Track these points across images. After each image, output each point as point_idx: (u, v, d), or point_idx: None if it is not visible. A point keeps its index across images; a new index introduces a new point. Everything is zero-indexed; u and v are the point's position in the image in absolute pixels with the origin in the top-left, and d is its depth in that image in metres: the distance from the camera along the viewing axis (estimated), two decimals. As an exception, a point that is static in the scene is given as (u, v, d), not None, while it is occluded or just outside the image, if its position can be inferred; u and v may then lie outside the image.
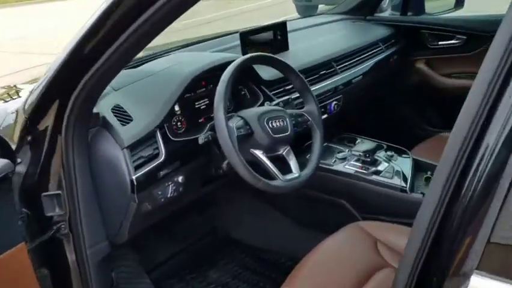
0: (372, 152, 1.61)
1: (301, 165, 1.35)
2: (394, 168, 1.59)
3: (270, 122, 1.30)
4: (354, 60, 2.03)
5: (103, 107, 1.28)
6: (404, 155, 1.70)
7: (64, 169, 1.23)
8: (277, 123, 1.31)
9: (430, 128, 2.47)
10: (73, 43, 1.00)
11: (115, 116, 1.26)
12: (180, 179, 1.32)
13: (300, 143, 1.77)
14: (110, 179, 1.25)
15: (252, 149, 1.30)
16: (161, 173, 1.26)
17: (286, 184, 1.27)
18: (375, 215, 1.59)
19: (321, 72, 1.84)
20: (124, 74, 1.50)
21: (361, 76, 2.01)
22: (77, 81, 1.05)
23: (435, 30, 2.31)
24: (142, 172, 1.21)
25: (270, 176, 1.27)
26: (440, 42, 2.33)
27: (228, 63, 1.33)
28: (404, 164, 1.62)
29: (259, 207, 2.00)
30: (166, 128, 1.31)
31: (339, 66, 1.93)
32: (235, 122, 1.27)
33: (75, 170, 1.23)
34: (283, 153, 1.35)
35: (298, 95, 1.64)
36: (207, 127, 1.41)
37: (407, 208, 1.49)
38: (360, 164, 1.63)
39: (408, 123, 2.51)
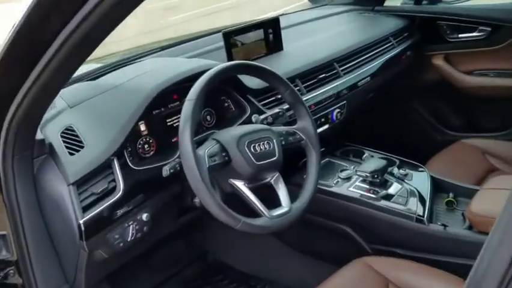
0: (382, 172, 1.37)
1: (297, 191, 1.13)
2: (408, 191, 1.35)
3: (252, 146, 1.08)
4: (361, 59, 1.79)
5: (52, 130, 1.09)
6: (419, 171, 1.46)
7: (6, 207, 1.03)
8: (262, 147, 1.09)
9: (449, 132, 2.22)
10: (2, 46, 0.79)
11: (64, 141, 1.06)
12: (144, 216, 1.11)
13: (296, 159, 1.54)
14: (57, 222, 1.05)
15: (231, 179, 1.08)
16: (119, 212, 1.05)
17: (272, 223, 1.04)
18: (386, 246, 1.36)
19: (321, 76, 1.61)
20: (82, 88, 1.29)
21: (368, 78, 1.77)
22: (11, 97, 0.85)
23: (455, 21, 2.07)
24: (92, 214, 1.00)
25: (253, 212, 1.05)
26: (460, 35, 2.09)
27: (202, 73, 1.11)
28: (421, 185, 1.39)
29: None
30: (126, 154, 1.10)
31: (342, 68, 1.69)
32: (208, 148, 1.04)
33: (19, 207, 1.03)
34: (271, 181, 1.13)
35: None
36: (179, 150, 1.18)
37: (424, 241, 1.26)
38: (367, 186, 1.39)
39: (424, 129, 2.27)
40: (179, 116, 1.26)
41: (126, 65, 1.45)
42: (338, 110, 1.64)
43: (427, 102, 2.29)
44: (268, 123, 1.30)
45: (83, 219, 0.99)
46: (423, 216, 1.26)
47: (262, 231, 1.04)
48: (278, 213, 1.07)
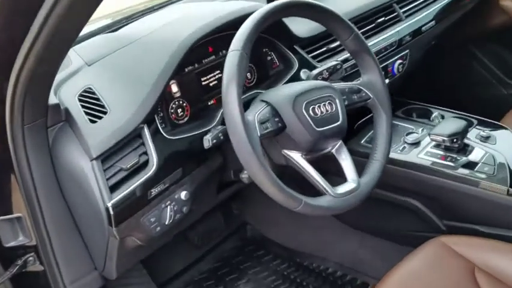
0: (462, 135, 1.16)
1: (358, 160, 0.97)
2: (495, 158, 1.14)
3: (311, 108, 0.90)
4: (423, -1, 1.53)
5: (68, 92, 0.94)
6: (503, 132, 1.25)
7: (19, 185, 0.90)
8: (323, 109, 0.91)
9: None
10: None
11: (83, 106, 0.90)
12: (183, 195, 0.96)
13: (351, 120, 1.34)
14: (81, 203, 0.91)
15: (285, 150, 0.91)
16: (154, 191, 0.90)
17: (339, 202, 0.88)
18: (465, 223, 1.18)
19: (380, 20, 1.39)
20: (100, 42, 1.12)
21: (433, 22, 1.54)
22: (15, 50, 0.71)
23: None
24: (122, 195, 0.86)
25: (313, 190, 0.88)
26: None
27: (245, 17, 0.92)
28: (508, 149, 1.18)
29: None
30: (157, 121, 0.94)
31: (403, 10, 1.47)
32: (258, 112, 0.87)
33: (35, 185, 0.91)
34: (333, 150, 0.95)
35: (349, 57, 1.21)
36: (219, 114, 1.02)
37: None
38: (441, 153, 1.20)
39: (488, 82, 2.01)
40: (216, 73, 1.10)
41: (146, 15, 1.26)
42: (399, 61, 1.43)
43: (492, 52, 2.03)
44: (323, 80, 1.11)
45: (112, 202, 0.84)
46: (519, 190, 1.06)
47: (327, 212, 0.88)
48: (345, 191, 0.90)
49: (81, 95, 0.92)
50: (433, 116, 1.37)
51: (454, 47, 1.93)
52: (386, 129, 1.01)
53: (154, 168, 0.90)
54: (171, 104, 1.02)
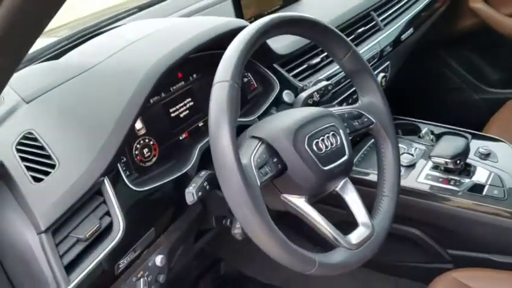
0: (465, 154, 1.06)
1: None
2: (502, 178, 1.05)
3: (314, 142, 0.75)
4: (399, 5, 1.44)
5: (3, 140, 0.72)
6: (501, 146, 1.17)
7: None
8: (327, 143, 0.77)
9: (490, 90, 1.93)
10: None
11: (24, 159, 0.70)
12: (158, 260, 0.78)
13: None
14: (30, 285, 0.70)
15: (284, 195, 0.75)
16: (122, 262, 0.72)
17: (357, 255, 0.75)
18: (474, 252, 1.08)
19: (359, 30, 1.27)
20: (41, 71, 0.91)
21: (412, 29, 1.44)
22: None
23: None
24: (83, 275, 0.67)
25: (321, 242, 0.73)
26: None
27: (224, 36, 0.75)
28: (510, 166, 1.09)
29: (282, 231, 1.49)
30: (120, 169, 0.75)
31: (381, 18, 1.36)
32: (253, 154, 0.70)
33: None
34: (337, 189, 0.80)
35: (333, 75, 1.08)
36: (196, 151, 0.85)
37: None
38: (443, 176, 1.09)
39: (462, 87, 1.97)
40: (187, 101, 0.93)
41: (98, 34, 1.06)
42: (382, 74, 1.33)
43: (462, 56, 2.00)
44: (313, 105, 0.97)
45: (72, 285, 0.64)
46: (535, 214, 0.97)
47: (345, 270, 0.74)
48: (360, 240, 0.76)
49: (20, 144, 0.71)
50: (423, 132, 1.28)
51: (423, 53, 1.87)
52: (394, 158, 0.88)
53: (120, 232, 0.71)
54: (135, 144, 0.84)
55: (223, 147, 0.63)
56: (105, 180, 0.73)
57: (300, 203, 0.76)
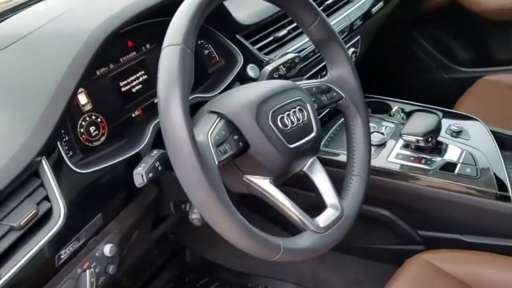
0: (437, 132, 1.03)
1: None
2: (475, 156, 1.03)
3: (279, 118, 0.69)
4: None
5: None
6: (473, 124, 1.14)
7: None
8: (294, 118, 0.71)
9: (463, 69, 1.92)
10: None
11: None
12: (107, 249, 0.71)
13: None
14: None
15: (247, 176, 0.69)
16: (64, 252, 0.64)
17: (325, 239, 0.70)
18: (445, 233, 1.06)
19: (328, 2, 1.21)
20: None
21: (382, 3, 1.39)
22: None
23: None
24: (17, 267, 0.59)
25: (290, 228, 0.68)
26: None
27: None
28: (484, 144, 1.07)
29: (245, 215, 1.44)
30: (61, 148, 0.67)
31: (351, -11, 1.30)
32: (210, 130, 0.64)
33: None
34: (305, 169, 0.75)
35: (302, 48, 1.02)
36: (149, 129, 0.78)
37: (507, 224, 0.96)
38: (414, 154, 1.06)
39: (432, 67, 1.95)
40: (140, 74, 0.85)
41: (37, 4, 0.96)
42: (352, 49, 1.28)
43: (431, 35, 1.98)
44: (279, 79, 0.91)
45: (1, 281, 0.57)
46: (507, 191, 0.95)
47: (312, 255, 0.69)
48: (329, 222, 0.71)
49: None
50: (393, 110, 1.24)
51: (393, 31, 1.84)
52: (364, 135, 0.83)
53: (61, 219, 0.63)
54: (80, 121, 0.76)
55: (174, 120, 0.56)
56: (43, 161, 0.64)
57: (264, 184, 0.70)
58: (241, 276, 1.46)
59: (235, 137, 0.66)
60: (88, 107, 0.77)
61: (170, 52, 0.59)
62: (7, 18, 0.89)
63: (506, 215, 0.95)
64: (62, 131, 0.71)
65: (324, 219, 0.72)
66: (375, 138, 1.12)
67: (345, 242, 1.26)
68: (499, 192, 0.95)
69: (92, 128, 0.77)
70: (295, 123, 0.71)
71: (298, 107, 0.72)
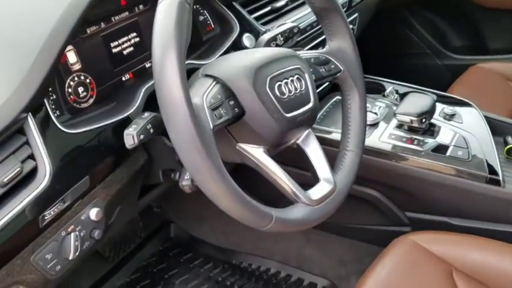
0: (431, 113, 1.03)
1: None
2: (467, 139, 1.03)
3: (277, 85, 0.67)
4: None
5: None
6: (466, 109, 1.14)
7: None
8: (291, 87, 0.69)
9: (456, 56, 1.93)
10: None
11: None
12: (93, 213, 0.69)
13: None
14: None
15: (240, 144, 0.68)
16: (48, 213, 0.62)
17: (317, 212, 0.70)
18: (432, 215, 1.07)
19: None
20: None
21: (382, -19, 1.38)
22: None
23: None
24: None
25: (277, 201, 0.67)
26: None
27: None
28: (476, 128, 1.07)
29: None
30: (48, 107, 0.65)
31: (351, -35, 1.28)
32: (206, 93, 0.62)
33: None
34: (299, 141, 0.74)
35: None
36: (141, 92, 0.75)
37: (498, 209, 0.97)
38: (406, 135, 1.05)
39: (426, 52, 1.95)
40: (132, 36, 0.83)
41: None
42: (350, 26, 1.24)
43: (427, 20, 1.98)
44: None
45: None
46: (497, 175, 0.95)
47: (303, 227, 0.68)
48: (321, 195, 0.70)
49: None
50: (388, 91, 1.23)
51: (389, 14, 1.83)
52: (360, 111, 0.82)
53: (46, 179, 0.61)
54: (68, 80, 0.73)
55: (170, 78, 0.54)
56: (28, 118, 0.62)
57: (258, 153, 0.69)
58: (225, 253, 1.46)
59: (231, 102, 0.65)
60: (77, 67, 0.75)
61: (168, 5, 0.56)
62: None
63: (494, 199, 0.96)
64: (50, 89, 0.68)
65: (316, 192, 0.71)
66: (369, 117, 1.10)
67: (332, 220, 1.26)
68: (489, 176, 0.96)
69: (80, 89, 0.75)
70: (292, 92, 0.69)
71: (296, 76, 0.70)
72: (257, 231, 0.94)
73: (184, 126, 0.55)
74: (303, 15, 1.06)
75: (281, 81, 0.68)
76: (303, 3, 1.10)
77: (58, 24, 0.65)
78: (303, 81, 0.71)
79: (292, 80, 0.69)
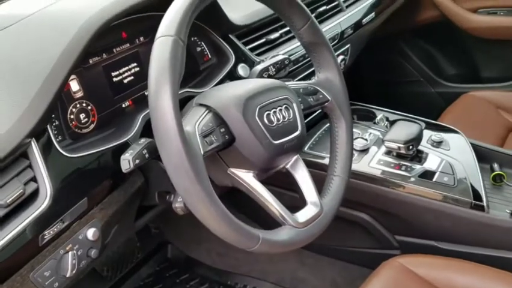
0: (418, 140, 1.06)
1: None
2: (453, 166, 1.06)
3: (265, 114, 0.72)
4: (363, -12, 1.43)
5: None
6: (454, 136, 1.18)
7: None
8: (279, 115, 0.74)
9: (449, 84, 1.98)
10: None
11: None
12: (90, 233, 0.72)
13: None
14: None
15: (231, 169, 0.72)
16: (47, 233, 0.66)
17: (303, 234, 0.73)
18: (421, 239, 1.09)
19: (321, 9, 1.24)
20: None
21: (373, 14, 1.43)
22: None
23: None
24: (1, 244, 0.59)
25: (267, 220, 0.70)
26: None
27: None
28: (463, 155, 1.11)
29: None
30: (51, 132, 0.69)
31: (344, -1, 1.34)
32: (198, 121, 0.66)
33: None
34: (288, 166, 0.78)
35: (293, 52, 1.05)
36: (139, 119, 0.79)
37: (483, 234, 1.00)
38: (395, 161, 1.09)
39: (420, 80, 2.00)
40: (132, 66, 0.87)
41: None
42: (342, 56, 1.31)
43: (421, 49, 2.04)
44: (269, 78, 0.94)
45: None
46: (481, 201, 0.98)
47: (289, 248, 0.71)
48: (307, 218, 0.74)
49: None
50: (378, 118, 1.27)
51: (384, 42, 1.88)
52: (347, 139, 0.86)
53: (47, 200, 0.65)
54: (70, 107, 0.77)
55: (163, 108, 0.58)
56: (32, 143, 0.66)
57: (247, 178, 0.72)
58: (221, 274, 1.47)
59: (222, 129, 0.69)
60: (79, 94, 0.79)
61: (163, 42, 0.61)
62: (4, 1, 0.91)
63: (479, 224, 0.98)
64: (53, 116, 0.73)
65: (303, 215, 0.74)
66: (359, 143, 1.15)
67: (325, 243, 1.29)
68: (474, 202, 0.98)
69: (82, 115, 0.79)
70: (280, 121, 0.73)
71: (284, 106, 0.74)
72: (252, 253, 0.97)
73: (175, 153, 0.59)
74: (296, 47, 1.11)
75: (270, 110, 0.72)
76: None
77: (62, 56, 0.70)
78: (291, 110, 0.75)
79: (280, 109, 0.74)
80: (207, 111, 0.69)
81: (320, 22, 1.24)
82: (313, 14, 1.21)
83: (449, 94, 1.88)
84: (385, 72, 2.04)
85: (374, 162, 1.10)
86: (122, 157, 0.68)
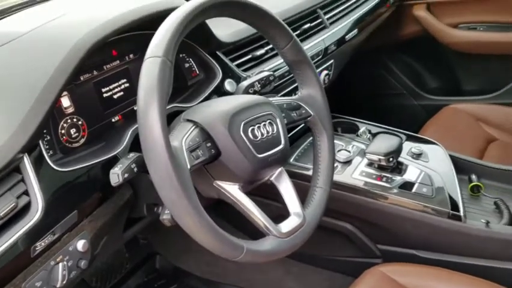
0: (398, 153, 1.10)
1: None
2: (431, 177, 1.10)
3: (250, 129, 0.75)
4: (346, 5, 1.48)
5: None
6: (433, 148, 1.22)
7: None
8: (264, 130, 0.77)
9: (428, 96, 2.04)
10: None
11: None
12: (80, 245, 0.74)
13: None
14: None
15: (217, 182, 0.75)
16: (39, 245, 0.68)
17: (285, 244, 0.75)
18: (401, 248, 1.13)
19: (305, 27, 1.29)
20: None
21: (356, 30, 1.49)
22: None
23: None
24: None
25: (253, 231, 0.73)
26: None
27: (161, 14, 0.73)
28: (442, 167, 1.15)
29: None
30: (43, 147, 0.71)
31: (327, 16, 1.39)
32: (185, 136, 0.69)
33: None
34: (272, 178, 0.81)
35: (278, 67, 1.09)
36: (128, 134, 0.82)
37: (459, 243, 1.04)
38: (376, 173, 1.13)
39: (403, 93, 2.06)
40: (121, 82, 0.90)
41: (29, 7, 1.00)
42: (325, 71, 1.35)
43: (403, 62, 2.09)
44: (254, 94, 0.97)
45: None
46: (459, 211, 1.02)
47: (272, 257, 0.74)
48: (290, 229, 0.76)
49: None
50: (360, 131, 1.31)
51: (367, 57, 1.94)
52: (329, 151, 0.89)
53: (38, 213, 0.67)
54: (61, 122, 0.80)
55: (151, 125, 0.61)
56: (24, 158, 0.68)
57: (233, 190, 0.75)
58: (209, 284, 1.49)
59: (208, 144, 0.72)
60: (70, 110, 0.81)
61: (152, 63, 0.64)
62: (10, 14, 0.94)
63: (457, 233, 1.02)
64: (45, 131, 0.75)
65: (286, 225, 0.77)
66: (342, 155, 1.19)
67: (310, 252, 1.32)
68: (451, 212, 1.02)
69: (72, 130, 0.82)
70: (264, 135, 0.76)
71: (268, 121, 0.78)
72: (240, 263, 1.00)
73: (162, 166, 0.62)
74: (280, 63, 1.14)
75: (254, 125, 0.75)
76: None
77: (55, 74, 0.72)
78: (274, 125, 0.79)
79: (264, 124, 0.77)
80: (193, 127, 0.72)
81: (305, 39, 1.28)
82: (298, 31, 1.27)
83: (431, 106, 1.93)
84: (369, 86, 2.09)
85: (356, 174, 1.14)
86: (112, 171, 0.71)
